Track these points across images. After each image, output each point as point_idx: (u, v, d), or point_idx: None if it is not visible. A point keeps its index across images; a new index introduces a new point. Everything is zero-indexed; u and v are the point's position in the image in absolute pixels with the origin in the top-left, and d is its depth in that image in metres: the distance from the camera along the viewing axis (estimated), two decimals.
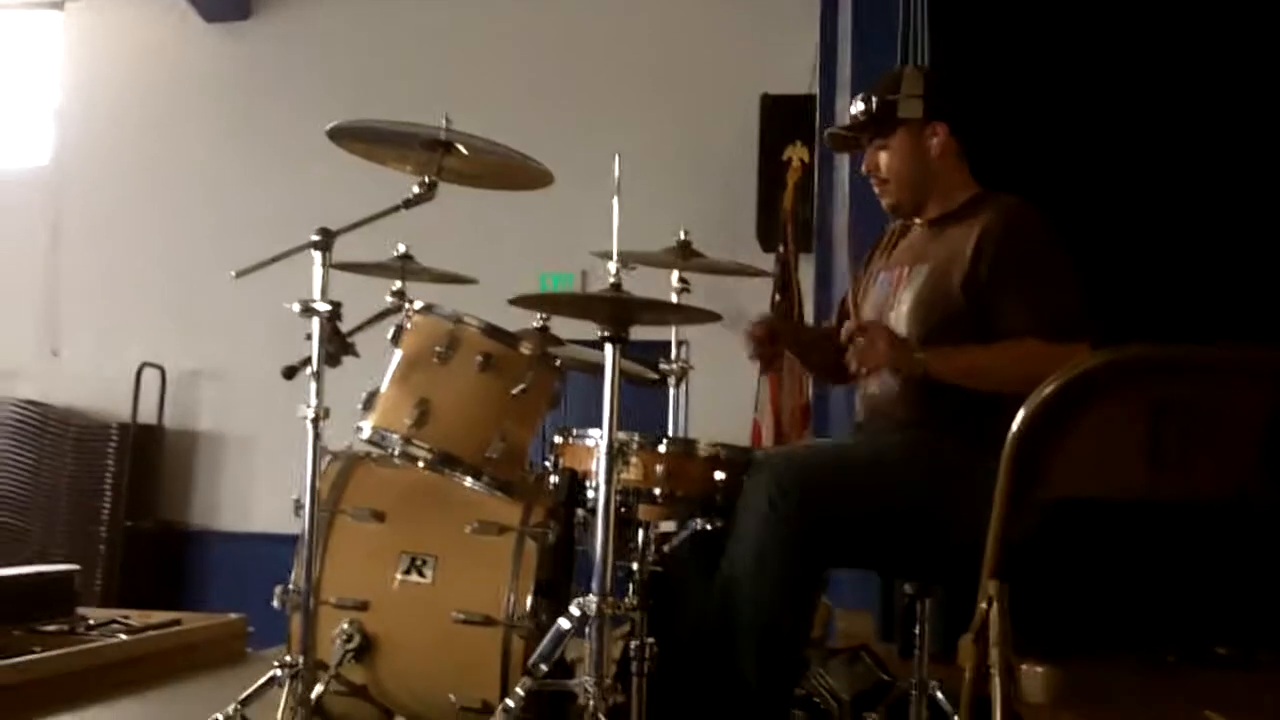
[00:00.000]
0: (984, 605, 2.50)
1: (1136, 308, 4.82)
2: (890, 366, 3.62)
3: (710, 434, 3.64)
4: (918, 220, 3.94)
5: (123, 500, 10.21)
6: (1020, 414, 2.42)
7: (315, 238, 3.58)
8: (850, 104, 3.99)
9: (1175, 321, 4.81)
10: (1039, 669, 5.39)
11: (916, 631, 3.95)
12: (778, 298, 7.38)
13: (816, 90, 7.88)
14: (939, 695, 3.92)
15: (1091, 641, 5.42)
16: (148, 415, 10.44)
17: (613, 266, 3.47)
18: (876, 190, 3.91)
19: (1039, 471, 2.45)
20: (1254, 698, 2.72)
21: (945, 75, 4.01)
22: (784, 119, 8.55)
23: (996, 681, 2.47)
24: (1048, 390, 2.39)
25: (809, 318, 7.54)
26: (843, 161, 6.48)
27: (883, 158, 3.86)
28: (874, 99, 3.86)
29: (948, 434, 3.58)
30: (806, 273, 7.75)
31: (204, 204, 10.47)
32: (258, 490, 10.21)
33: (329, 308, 3.57)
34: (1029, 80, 5.21)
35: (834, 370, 3.99)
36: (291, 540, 3.82)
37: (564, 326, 3.99)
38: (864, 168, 3.93)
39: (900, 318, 3.75)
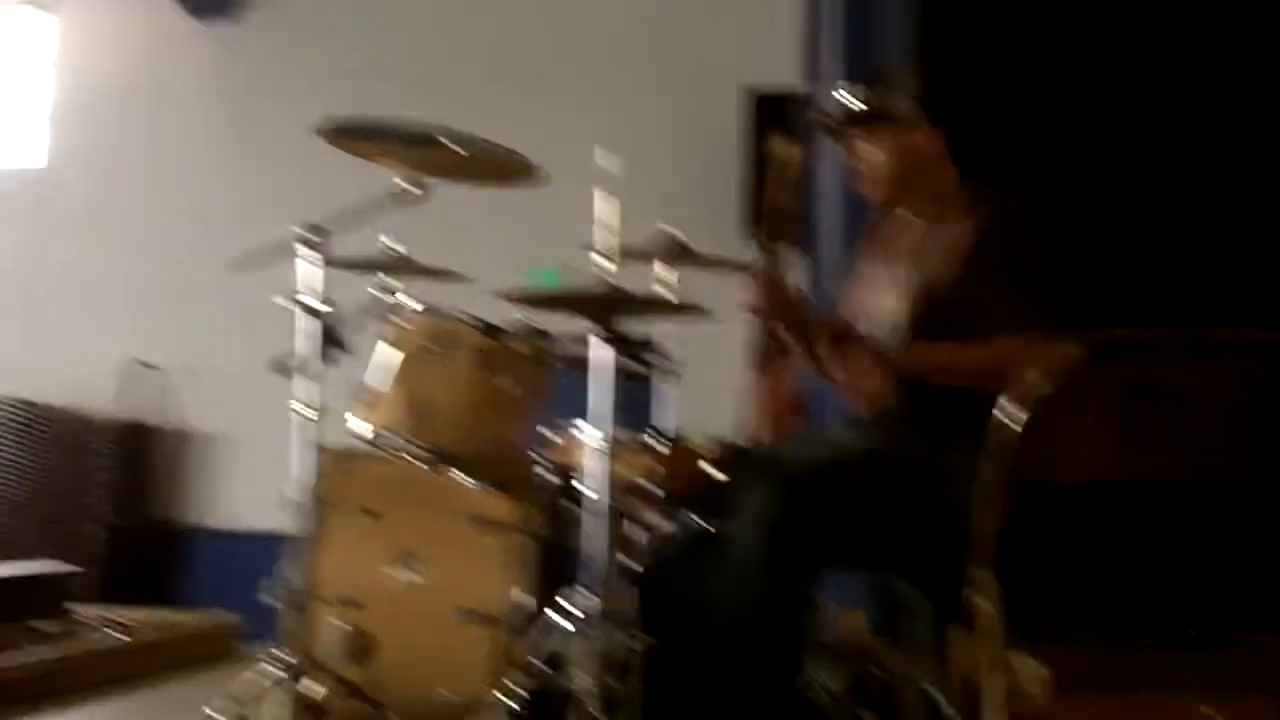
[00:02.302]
0: (973, 596, 2.50)
1: (1121, 302, 4.83)
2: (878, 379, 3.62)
3: (700, 429, 3.64)
4: (903, 216, 3.95)
5: (113, 498, 10.18)
6: (1000, 403, 2.43)
7: (307, 232, 3.58)
8: (838, 95, 3.99)
9: (1160, 313, 4.83)
10: (1030, 659, 5.45)
11: (909, 626, 3.96)
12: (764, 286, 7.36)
13: (801, 83, 7.86)
14: (932, 689, 3.93)
15: (1078, 627, 5.48)
16: (136, 412, 10.41)
17: (599, 260, 3.47)
18: (860, 183, 3.92)
19: (1022, 459, 2.46)
20: (1236, 680, 2.74)
21: (934, 73, 3.99)
22: (769, 112, 8.53)
23: (988, 672, 2.48)
24: (1028, 378, 2.41)
25: None
26: (827, 157, 6.48)
27: (867, 151, 3.87)
28: (863, 92, 3.86)
29: (934, 428, 3.59)
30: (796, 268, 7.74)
31: (194, 200, 10.43)
32: (249, 488, 10.16)
33: (321, 303, 3.57)
34: (1015, 72, 5.22)
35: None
36: (283, 538, 3.82)
37: (555, 321, 3.99)
38: (847, 159, 3.93)
39: (885, 313, 3.76)
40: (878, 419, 3.76)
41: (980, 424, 2.86)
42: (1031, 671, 5.31)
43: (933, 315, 3.67)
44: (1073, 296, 3.60)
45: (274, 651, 3.65)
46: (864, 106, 3.84)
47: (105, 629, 5.72)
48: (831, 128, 4.01)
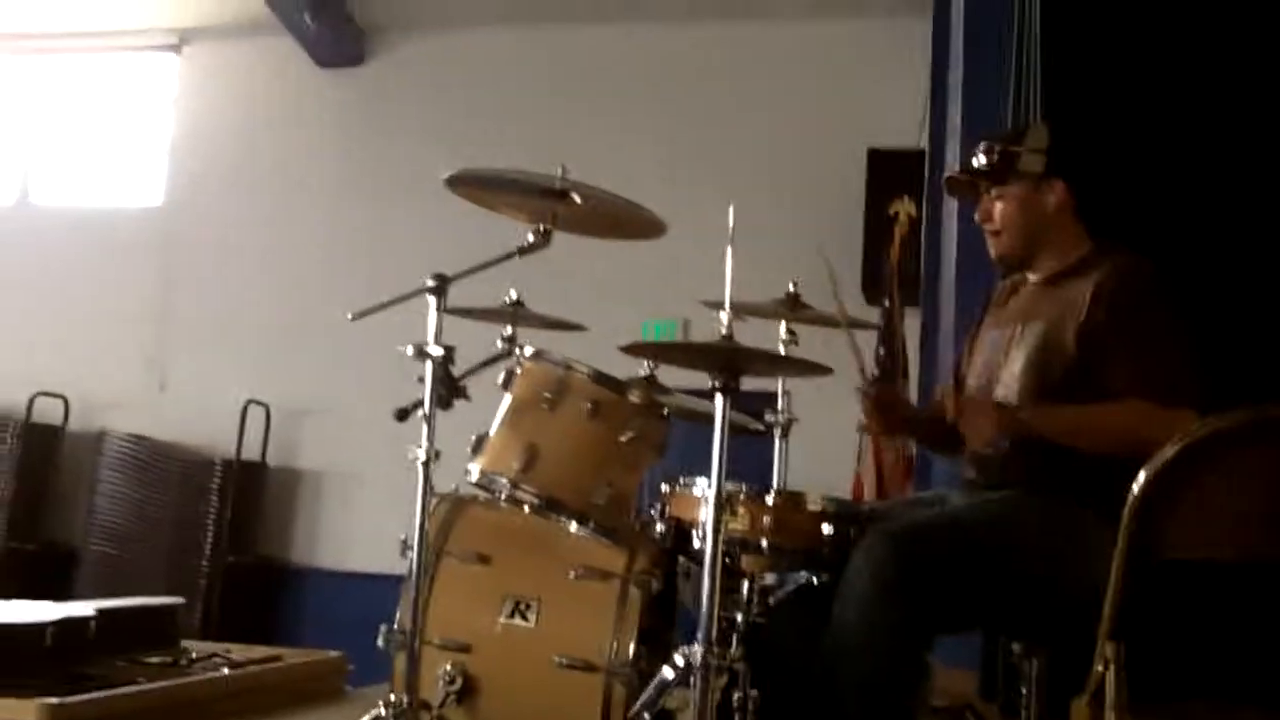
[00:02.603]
0: (1100, 667, 2.48)
1: (1252, 366, 4.76)
2: (997, 432, 3.60)
3: (811, 485, 3.64)
4: (1030, 277, 3.93)
5: (224, 535, 10.30)
6: (1140, 476, 2.42)
7: (431, 282, 3.63)
8: (970, 151, 3.98)
9: None
10: None
11: (1023, 691, 3.92)
12: (882, 351, 7.35)
13: (924, 144, 7.86)
14: None
15: (1205, 702, 5.38)
16: (251, 452, 10.54)
17: (724, 316, 3.48)
18: (988, 240, 3.90)
19: (1156, 534, 2.44)
20: None
21: (1068, 131, 3.97)
22: (890, 173, 8.54)
23: None
24: (1168, 454, 2.39)
25: (913, 370, 7.51)
26: (951, 216, 6.45)
27: (998, 207, 3.85)
28: (996, 148, 3.86)
29: (1056, 494, 3.56)
30: (912, 327, 7.72)
31: (313, 245, 10.59)
32: (358, 529, 10.27)
33: (442, 351, 3.60)
34: (1142, 133, 5.17)
35: (943, 443, 4.00)
36: (389, 580, 3.86)
37: (669, 375, 4.01)
38: (977, 216, 3.92)
39: (1011, 377, 3.74)
40: (996, 483, 3.74)
41: (1108, 492, 2.82)
42: None
43: (1056, 377, 3.64)
44: (1206, 364, 3.56)
45: (383, 693, 3.69)
46: (997, 161, 3.84)
47: (216, 663, 5.76)
48: (964, 183, 4.00)
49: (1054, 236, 3.84)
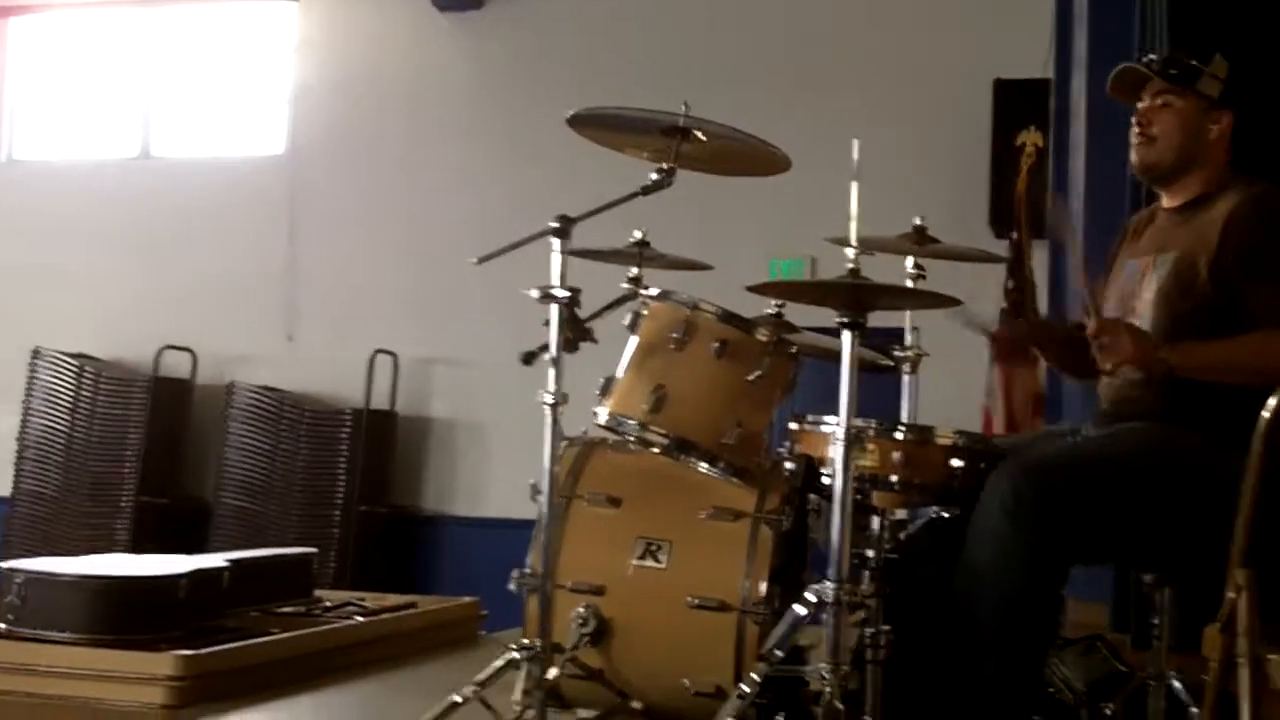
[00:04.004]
0: (1232, 595, 2.45)
1: None
2: (1133, 363, 3.57)
3: (941, 421, 3.62)
4: (1165, 202, 3.88)
5: (356, 484, 10.39)
6: (1271, 402, 2.38)
7: (554, 224, 3.62)
8: (1137, 60, 3.95)
9: None
10: None
11: (1155, 622, 3.89)
12: (1010, 284, 7.28)
13: (1050, 74, 7.75)
14: (1177, 686, 3.87)
15: None
16: (381, 401, 10.62)
17: (850, 252, 3.45)
18: (1135, 142, 3.84)
19: None
20: None
21: (1244, 70, 3.91)
22: (1016, 103, 8.43)
23: (1244, 672, 2.42)
24: None
25: (1041, 303, 7.43)
26: (1078, 147, 6.37)
27: (1163, 116, 3.81)
28: (1183, 58, 3.82)
29: (1190, 426, 3.53)
30: (1039, 259, 7.64)
31: (438, 191, 10.61)
32: (490, 475, 10.34)
33: (568, 294, 3.60)
34: (1268, 66, 5.07)
35: (1077, 366, 3.95)
36: (523, 525, 3.87)
37: (796, 313, 3.99)
38: (1137, 117, 3.86)
39: (1145, 306, 3.70)
40: (1128, 414, 3.71)
41: (1240, 421, 2.79)
42: None
43: (1189, 307, 3.60)
44: None
45: (517, 638, 3.71)
46: (1181, 72, 3.79)
47: (350, 612, 5.82)
48: (1134, 81, 3.92)
49: (1204, 164, 3.81)
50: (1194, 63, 3.80)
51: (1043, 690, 4.24)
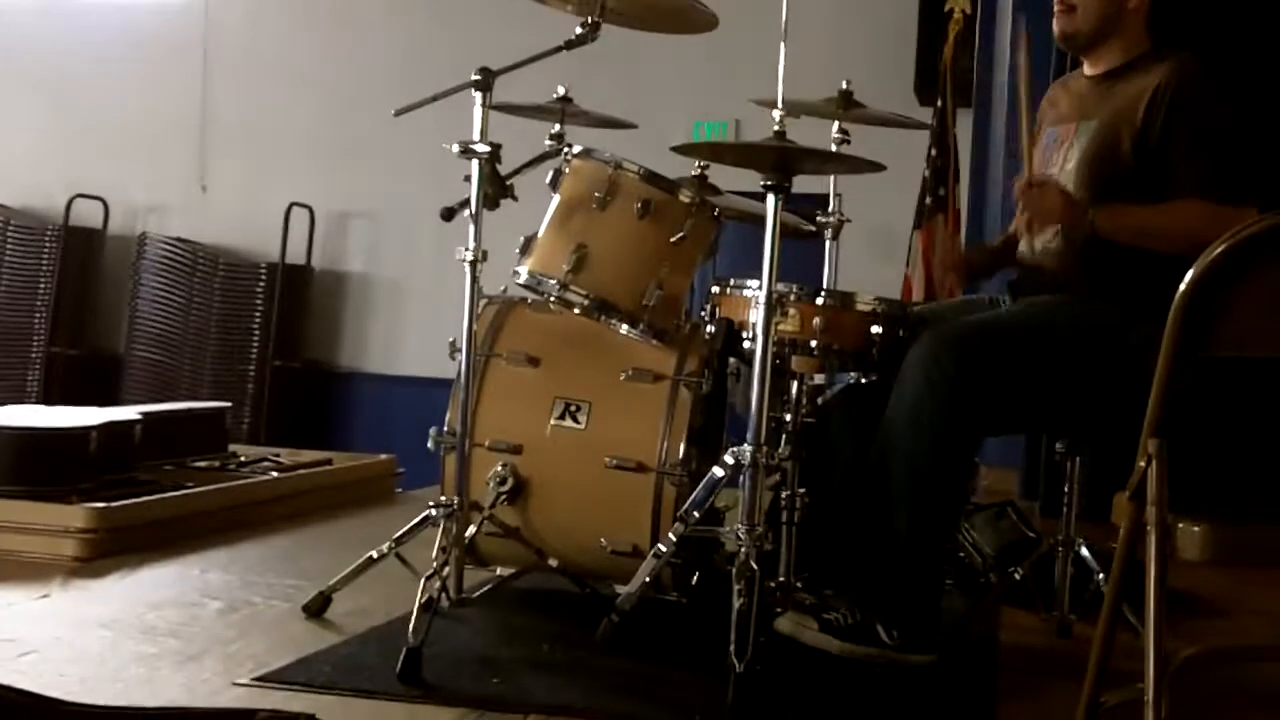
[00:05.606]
0: (1143, 463, 2.47)
1: None
2: (1060, 222, 3.59)
3: (860, 287, 3.61)
4: (1087, 70, 3.88)
5: (271, 339, 10.33)
6: (1189, 274, 2.38)
7: (476, 77, 3.56)
8: None
9: None
10: (1196, 527, 5.38)
11: (1065, 490, 3.94)
12: (934, 152, 7.26)
13: None
14: (1085, 553, 3.92)
15: (1245, 500, 5.40)
16: (297, 255, 10.53)
17: (776, 115, 3.41)
18: (1057, 10, 3.82)
19: (1204, 331, 2.41)
20: None
21: None
22: None
23: (1153, 539, 2.44)
24: (1217, 250, 2.36)
25: (964, 172, 7.43)
26: (1005, 14, 6.35)
27: None
28: None
29: (1103, 298, 3.55)
30: (964, 127, 7.62)
31: (359, 41, 10.46)
32: (407, 333, 10.30)
33: (489, 149, 3.55)
34: None
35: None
36: (438, 384, 3.85)
37: (719, 174, 3.96)
38: None
39: (1067, 175, 3.71)
40: (1045, 286, 3.72)
41: (1154, 293, 2.80)
42: (1198, 539, 5.26)
43: (1111, 175, 3.61)
44: (1270, 164, 3.50)
45: (434, 496, 3.70)
46: None
47: (265, 467, 5.81)
48: None
49: (1124, 31, 3.81)
50: None
51: (954, 553, 4.30)
